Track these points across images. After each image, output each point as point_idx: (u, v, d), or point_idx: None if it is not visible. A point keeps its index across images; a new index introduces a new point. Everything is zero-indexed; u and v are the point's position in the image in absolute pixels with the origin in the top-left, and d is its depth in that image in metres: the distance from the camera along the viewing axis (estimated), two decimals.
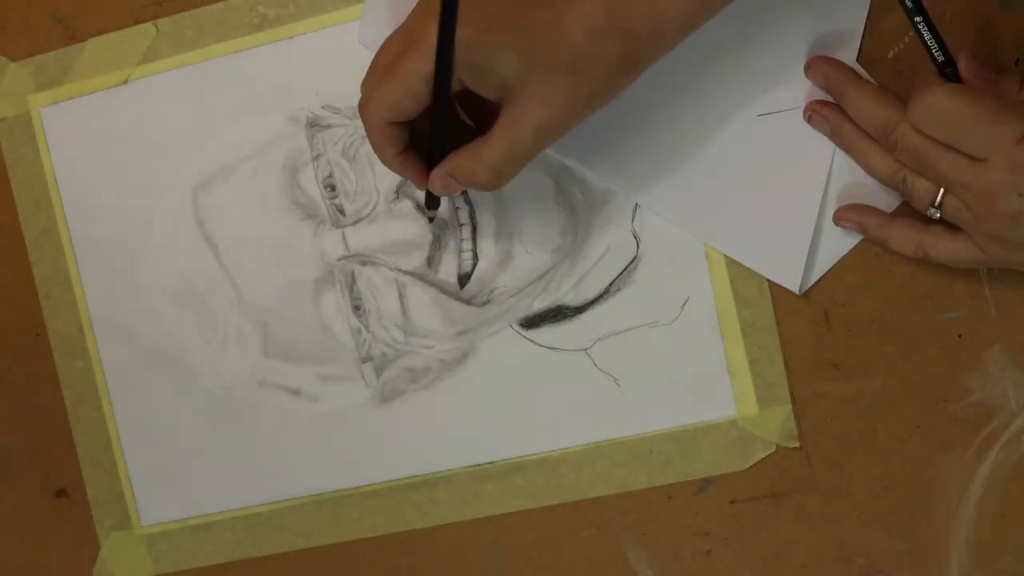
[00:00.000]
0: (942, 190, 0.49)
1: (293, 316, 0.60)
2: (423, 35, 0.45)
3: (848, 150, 0.53)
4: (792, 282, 0.54)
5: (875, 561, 0.55)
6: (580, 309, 0.57)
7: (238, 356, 0.61)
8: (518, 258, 0.57)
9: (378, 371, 0.59)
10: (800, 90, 0.53)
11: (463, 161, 0.48)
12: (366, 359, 0.59)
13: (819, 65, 0.52)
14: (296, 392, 0.60)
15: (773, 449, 0.56)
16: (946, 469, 0.54)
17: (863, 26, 0.53)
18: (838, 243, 0.54)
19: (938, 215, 0.49)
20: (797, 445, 0.55)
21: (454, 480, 0.59)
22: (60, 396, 0.63)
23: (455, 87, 0.47)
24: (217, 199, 0.60)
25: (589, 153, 0.56)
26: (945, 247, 0.50)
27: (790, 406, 0.55)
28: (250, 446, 0.61)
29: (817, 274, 0.54)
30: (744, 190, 0.54)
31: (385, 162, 0.50)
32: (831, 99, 0.53)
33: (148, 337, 0.62)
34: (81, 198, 0.62)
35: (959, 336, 0.54)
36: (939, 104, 0.47)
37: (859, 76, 0.52)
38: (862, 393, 0.55)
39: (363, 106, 0.49)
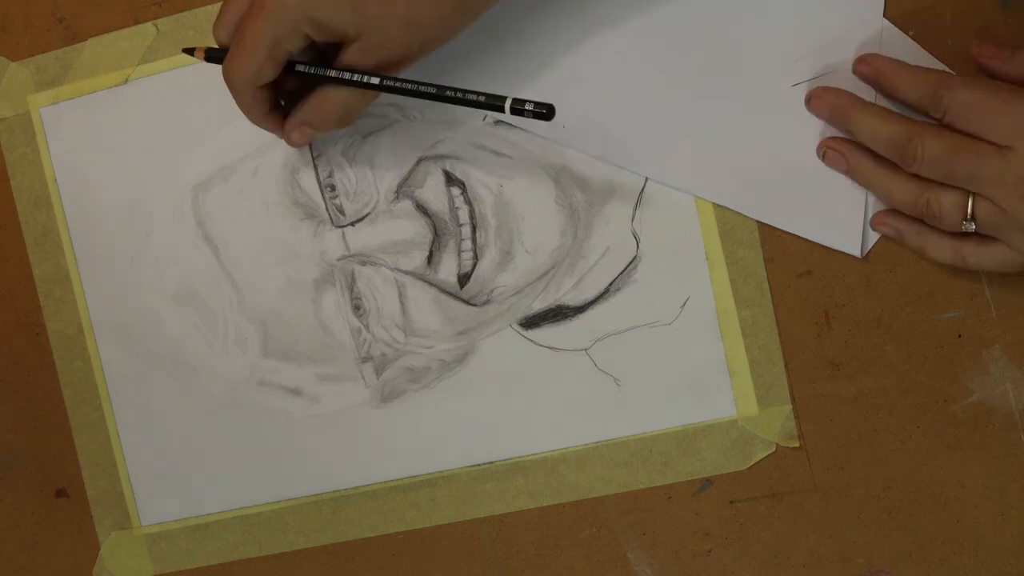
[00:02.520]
0: (971, 198, 0.48)
1: (293, 316, 0.60)
2: (265, 1, 0.49)
3: (868, 184, 0.52)
4: (853, 246, 0.54)
5: (875, 561, 0.55)
6: (580, 309, 0.57)
7: (238, 356, 0.61)
8: (518, 258, 0.57)
9: (378, 371, 0.59)
10: (830, 54, 0.53)
11: (312, 105, 0.52)
12: (366, 359, 0.59)
13: (822, 95, 0.52)
14: (296, 392, 0.60)
15: (773, 449, 0.56)
16: (946, 469, 0.54)
17: None
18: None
19: (973, 227, 0.49)
20: (797, 445, 0.55)
21: (454, 480, 0.59)
22: (60, 396, 0.63)
23: (301, 41, 0.50)
24: (217, 199, 0.60)
25: (630, 151, 0.55)
26: (983, 252, 0.50)
27: (790, 406, 0.55)
28: (250, 446, 0.61)
29: (874, 238, 0.54)
30: (790, 161, 0.54)
31: (254, 122, 0.54)
32: (842, 133, 0.53)
33: (148, 337, 0.62)
34: (81, 198, 0.62)
35: (959, 336, 0.54)
36: (960, 95, 0.47)
37: (863, 100, 0.52)
38: (862, 393, 0.55)
39: (226, 75, 0.52)
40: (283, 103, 0.54)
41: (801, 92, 0.53)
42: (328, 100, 0.52)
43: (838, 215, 0.54)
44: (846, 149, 0.52)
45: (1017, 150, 0.46)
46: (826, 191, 0.54)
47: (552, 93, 0.55)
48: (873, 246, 0.54)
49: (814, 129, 0.53)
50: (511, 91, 0.54)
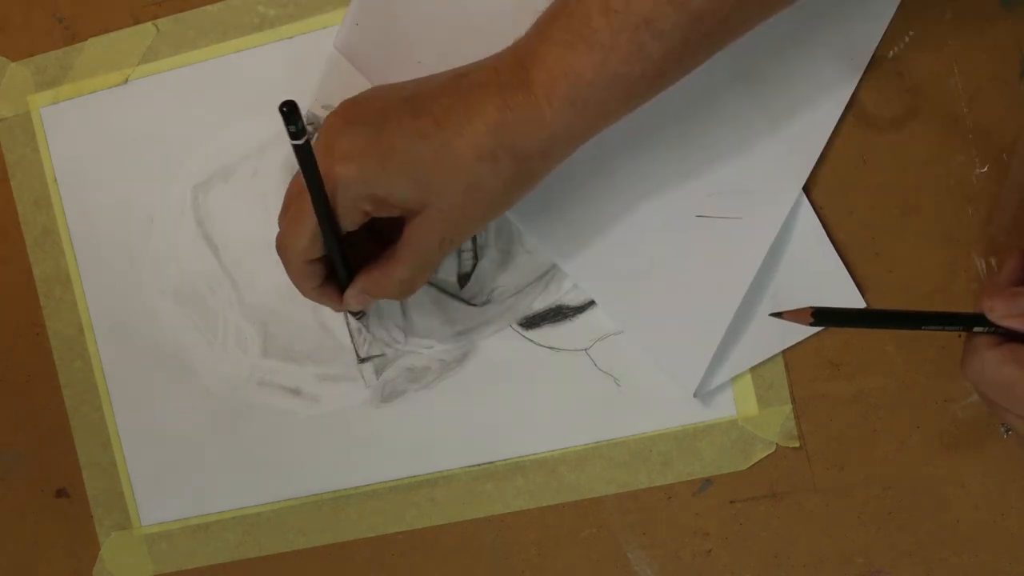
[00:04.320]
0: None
1: (293, 316, 0.60)
2: (324, 177, 0.47)
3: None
4: (689, 385, 0.54)
5: (875, 561, 0.55)
6: (580, 309, 0.57)
7: (238, 356, 0.61)
8: (518, 258, 0.57)
9: (378, 371, 0.59)
10: (743, 200, 0.53)
11: (374, 278, 0.51)
12: (366, 359, 0.59)
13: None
14: (296, 392, 0.60)
15: (773, 449, 0.56)
16: (946, 469, 0.54)
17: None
18: (743, 358, 0.54)
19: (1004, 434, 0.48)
20: (797, 445, 0.55)
21: (454, 480, 0.59)
22: (60, 396, 0.63)
23: (360, 219, 0.49)
24: (217, 199, 0.60)
25: (530, 215, 0.56)
26: None
27: (790, 406, 0.55)
28: (250, 446, 0.61)
29: (716, 383, 0.54)
30: (666, 283, 0.54)
31: (304, 294, 0.52)
32: None
33: (148, 337, 0.62)
34: (81, 198, 0.62)
35: (959, 336, 0.54)
36: (989, 372, 0.45)
37: None
38: (862, 393, 0.55)
39: (279, 248, 0.51)
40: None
41: (703, 224, 0.54)
42: (391, 274, 0.50)
43: (687, 352, 0.54)
44: None
45: None
46: (686, 325, 0.54)
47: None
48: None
49: (703, 263, 0.54)
50: None
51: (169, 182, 0.61)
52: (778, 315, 0.45)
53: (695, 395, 0.54)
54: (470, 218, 0.48)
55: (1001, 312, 0.45)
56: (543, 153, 0.47)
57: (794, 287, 0.53)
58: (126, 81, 0.61)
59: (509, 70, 0.47)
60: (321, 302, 0.53)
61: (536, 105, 0.46)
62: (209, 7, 0.59)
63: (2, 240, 0.63)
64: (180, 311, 0.61)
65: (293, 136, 0.45)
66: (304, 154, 0.46)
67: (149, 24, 0.60)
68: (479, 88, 0.47)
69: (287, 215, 0.50)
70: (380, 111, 0.48)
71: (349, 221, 0.49)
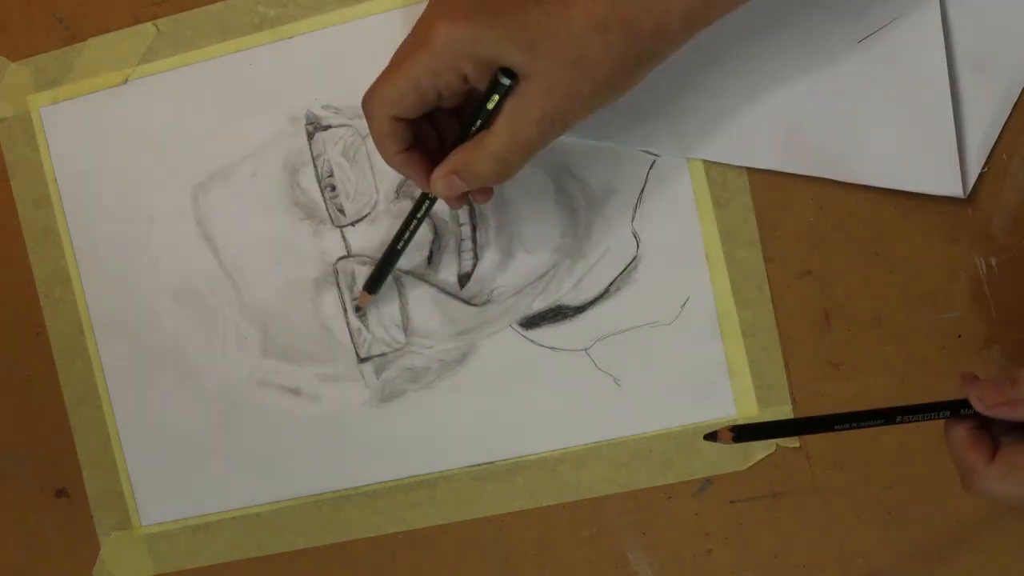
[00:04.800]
0: None
1: (293, 316, 0.60)
2: (428, 33, 0.46)
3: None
4: (954, 187, 0.52)
5: (875, 561, 0.55)
6: (580, 309, 0.57)
7: (238, 356, 0.61)
8: (518, 258, 0.57)
9: (378, 371, 0.59)
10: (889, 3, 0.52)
11: (467, 154, 0.48)
12: (366, 359, 0.59)
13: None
14: (296, 392, 0.60)
15: (773, 449, 0.56)
16: (946, 469, 0.54)
17: None
18: (984, 133, 0.52)
19: None
20: (797, 445, 0.55)
21: (454, 480, 0.59)
22: (60, 396, 0.63)
23: (458, 84, 0.47)
24: (217, 199, 0.60)
25: (695, 132, 0.55)
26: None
27: (790, 406, 0.55)
28: (250, 446, 0.61)
29: (974, 173, 0.52)
30: (871, 118, 0.53)
31: (387, 159, 0.50)
32: None
33: (148, 337, 0.62)
34: (81, 198, 0.62)
35: (959, 336, 0.54)
36: (996, 491, 0.44)
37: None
38: (862, 393, 0.55)
39: (366, 100, 0.49)
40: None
41: (868, 45, 0.52)
42: (485, 148, 0.48)
43: (932, 160, 0.52)
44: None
45: None
46: (914, 139, 0.52)
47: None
48: (975, 183, 0.52)
49: (892, 76, 0.52)
50: None
51: (169, 182, 0.61)
52: (711, 437, 0.46)
53: (966, 195, 0.52)
54: (576, 95, 0.46)
55: (990, 401, 0.44)
56: (657, 31, 0.45)
57: (981, 39, 0.52)
58: (126, 81, 0.61)
59: None
60: (404, 172, 0.51)
61: None
62: (209, 7, 0.59)
63: (2, 240, 0.63)
64: (180, 311, 0.61)
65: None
66: None
67: (149, 24, 0.60)
68: None
69: (388, 66, 0.48)
70: None
71: (445, 83, 0.47)
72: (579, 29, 0.45)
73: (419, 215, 0.54)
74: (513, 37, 0.45)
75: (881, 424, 0.46)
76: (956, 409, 0.46)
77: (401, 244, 0.55)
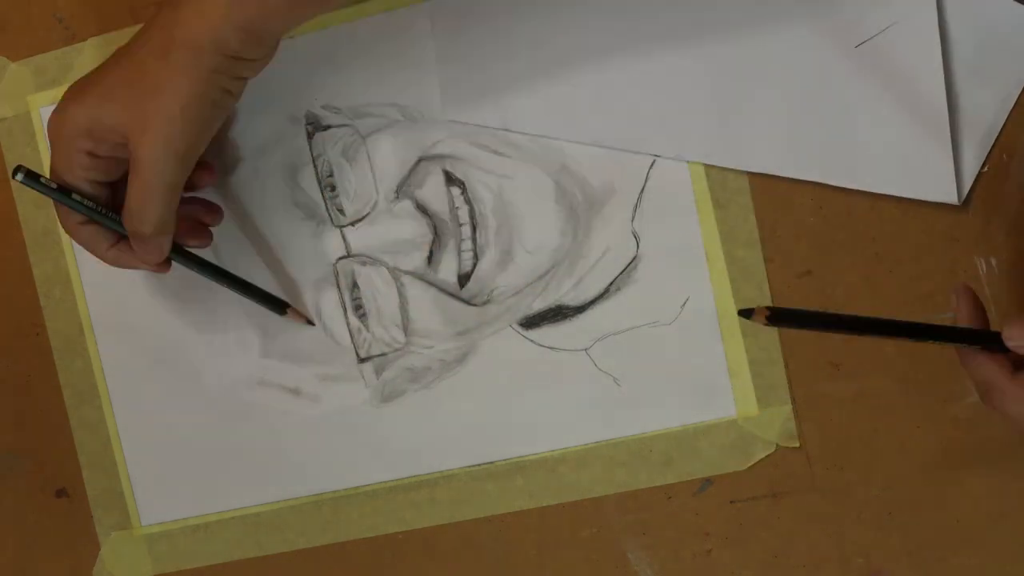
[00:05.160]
0: None
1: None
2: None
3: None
4: (949, 194, 0.52)
5: (875, 561, 0.55)
6: (580, 309, 0.57)
7: (238, 356, 0.61)
8: (518, 258, 0.57)
9: (378, 371, 0.59)
10: (887, 5, 0.52)
11: (125, 222, 0.52)
12: (366, 359, 0.59)
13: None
14: (296, 392, 0.60)
15: (773, 449, 0.56)
16: (946, 469, 0.54)
17: None
18: (980, 139, 0.52)
19: None
20: (797, 445, 0.55)
21: (454, 480, 0.59)
22: (60, 396, 0.63)
23: (88, 162, 0.52)
24: (217, 199, 0.60)
25: (693, 136, 0.55)
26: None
27: (790, 406, 0.55)
28: (250, 446, 0.61)
29: (970, 178, 0.52)
30: (867, 123, 0.53)
31: (105, 261, 0.55)
32: None
33: (148, 337, 0.62)
34: None
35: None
36: (1017, 408, 0.45)
37: None
38: (862, 393, 0.55)
39: (62, 226, 0.55)
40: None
41: (864, 50, 0.52)
42: (128, 207, 0.51)
43: (927, 167, 0.52)
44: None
45: None
46: (909, 145, 0.52)
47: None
48: (975, 183, 0.52)
49: (888, 82, 0.52)
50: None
51: None
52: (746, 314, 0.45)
53: (960, 202, 0.52)
54: (171, 121, 0.49)
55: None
56: (215, 44, 0.48)
57: (978, 47, 0.52)
58: None
59: None
60: (128, 265, 0.55)
61: (200, 1, 0.48)
62: None
63: (2, 240, 0.63)
64: (180, 311, 0.61)
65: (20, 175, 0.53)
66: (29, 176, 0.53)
67: None
68: (162, 6, 0.50)
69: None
70: (99, 66, 0.52)
71: (78, 165, 0.52)
72: (148, 64, 0.50)
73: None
74: (103, 96, 0.51)
75: (911, 339, 0.46)
76: (985, 341, 0.46)
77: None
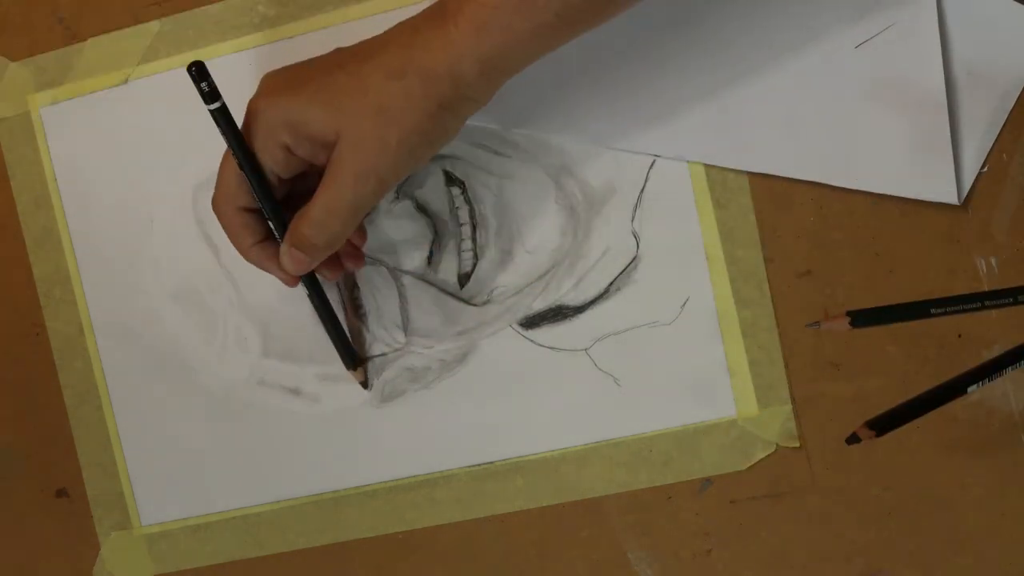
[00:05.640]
0: None
1: (293, 316, 0.60)
2: (245, 117, 0.50)
3: None
4: (949, 194, 0.52)
5: (875, 561, 0.55)
6: (580, 309, 0.57)
7: (238, 356, 0.61)
8: (518, 258, 0.57)
9: (378, 371, 0.59)
10: (889, 6, 0.52)
11: (295, 225, 0.51)
12: (366, 359, 0.59)
13: None
14: (296, 392, 0.60)
15: (773, 449, 0.56)
16: (946, 469, 0.54)
17: None
18: (980, 139, 0.52)
19: None
20: (797, 445, 0.55)
21: (454, 480, 0.59)
22: (60, 396, 0.63)
23: (281, 155, 0.50)
24: None
25: (694, 137, 0.55)
26: None
27: (790, 406, 0.55)
28: (250, 446, 0.61)
29: (970, 179, 0.53)
30: (867, 123, 0.53)
31: (243, 254, 0.53)
32: None
33: (148, 337, 0.62)
34: (81, 198, 0.62)
35: (959, 336, 0.54)
36: None
37: None
38: (862, 393, 0.55)
39: (213, 206, 0.53)
40: None
41: (864, 51, 0.52)
42: (306, 215, 0.50)
43: (927, 166, 0.52)
44: None
45: None
46: (909, 144, 0.52)
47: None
48: (975, 183, 0.52)
49: (889, 82, 0.52)
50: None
51: (169, 182, 0.61)
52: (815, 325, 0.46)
53: (960, 202, 0.52)
54: (385, 146, 0.47)
55: None
56: (452, 76, 0.47)
57: (978, 47, 0.52)
58: (126, 81, 0.61)
59: (430, 5, 0.48)
60: (264, 267, 0.53)
61: (443, 27, 0.46)
62: (209, 7, 0.59)
63: (2, 240, 0.63)
64: (180, 311, 0.61)
65: (207, 96, 0.49)
66: (220, 115, 0.50)
67: (149, 24, 0.60)
68: (398, 24, 0.49)
69: (218, 175, 0.52)
70: (309, 61, 0.50)
71: (270, 157, 0.50)
72: (376, 81, 0.47)
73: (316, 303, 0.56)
74: (316, 99, 0.48)
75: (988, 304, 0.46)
76: None
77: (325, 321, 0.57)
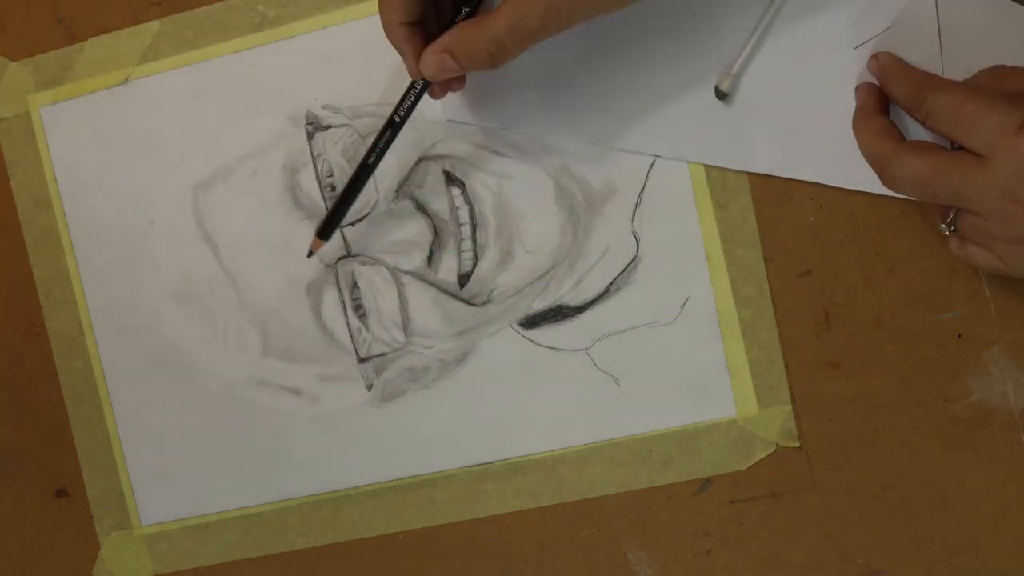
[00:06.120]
0: (955, 211, 0.48)
1: (293, 316, 0.60)
2: None
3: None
4: None
5: (875, 561, 0.55)
6: (580, 309, 0.57)
7: (238, 356, 0.61)
8: (518, 258, 0.57)
9: (378, 371, 0.59)
10: (888, 7, 0.52)
11: (464, 33, 0.48)
12: (366, 359, 0.59)
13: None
14: (296, 392, 0.60)
15: (773, 449, 0.56)
16: (946, 469, 0.54)
17: None
18: None
19: (948, 231, 0.48)
20: (797, 445, 0.55)
21: (454, 480, 0.59)
22: (60, 396, 0.63)
23: None
24: (217, 199, 0.60)
25: (693, 137, 0.55)
26: (974, 252, 0.48)
27: (790, 406, 0.55)
28: (250, 446, 0.61)
29: None
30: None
31: (388, 30, 0.49)
32: None
33: (148, 337, 0.62)
34: (81, 198, 0.62)
35: (959, 336, 0.54)
36: (941, 98, 0.46)
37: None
38: (862, 393, 0.55)
39: None
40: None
41: (864, 52, 0.52)
42: (485, 29, 0.46)
43: None
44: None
45: (994, 160, 0.44)
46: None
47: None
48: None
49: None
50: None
51: (169, 182, 0.61)
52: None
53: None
54: None
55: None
56: None
57: (978, 47, 0.52)
58: (126, 81, 0.61)
59: None
60: (402, 50, 0.50)
61: None
62: (209, 7, 0.59)
63: (2, 240, 0.63)
64: (180, 311, 0.61)
65: None
66: None
67: (149, 24, 0.60)
68: None
69: None
70: None
71: None
72: None
73: (400, 114, 0.52)
74: None
75: None
76: None
77: (372, 159, 0.53)
